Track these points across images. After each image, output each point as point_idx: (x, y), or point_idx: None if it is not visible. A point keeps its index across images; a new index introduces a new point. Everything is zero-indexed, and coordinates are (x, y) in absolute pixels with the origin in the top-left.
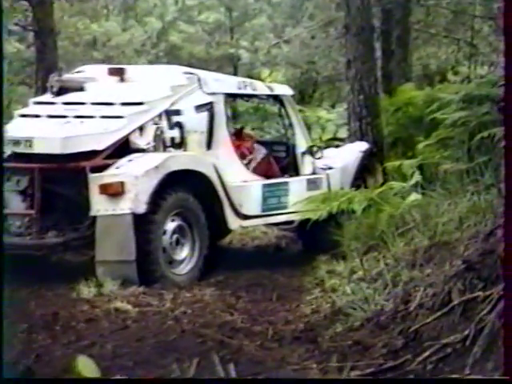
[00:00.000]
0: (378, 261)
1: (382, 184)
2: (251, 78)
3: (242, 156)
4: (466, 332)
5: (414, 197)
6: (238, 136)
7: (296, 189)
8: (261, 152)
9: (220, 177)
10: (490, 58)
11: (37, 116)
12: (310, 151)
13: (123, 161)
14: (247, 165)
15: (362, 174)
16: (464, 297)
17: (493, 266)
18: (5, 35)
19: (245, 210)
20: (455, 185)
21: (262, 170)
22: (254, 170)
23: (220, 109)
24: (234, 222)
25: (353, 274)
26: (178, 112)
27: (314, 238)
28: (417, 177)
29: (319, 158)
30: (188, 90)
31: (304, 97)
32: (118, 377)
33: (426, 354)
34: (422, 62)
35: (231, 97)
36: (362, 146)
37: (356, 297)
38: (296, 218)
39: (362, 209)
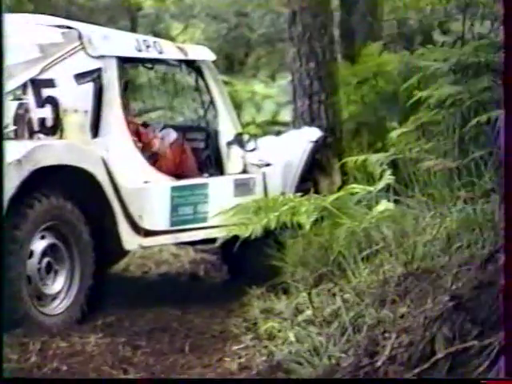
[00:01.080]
0: (333, 295)
1: (340, 187)
2: (156, 35)
3: (144, 146)
4: None
5: (385, 206)
6: (137, 118)
7: (219, 194)
8: (170, 139)
9: (111, 176)
10: (493, 9)
11: None
12: (239, 140)
13: None
14: (150, 158)
15: (313, 174)
16: (452, 347)
17: (492, 305)
18: None
19: (146, 224)
20: (441, 189)
21: (172, 167)
22: (161, 166)
23: (111, 79)
24: (131, 241)
25: (298, 314)
26: (50, 82)
27: (244, 264)
28: (388, 178)
29: (252, 151)
30: (65, 52)
31: (232, 63)
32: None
33: None
34: (396, 16)
35: (128, 62)
36: (313, 133)
37: (302, 346)
38: (219, 234)
39: (312, 222)
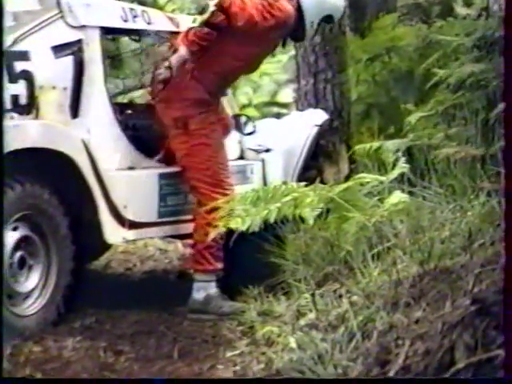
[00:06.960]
0: (339, 297)
1: (348, 177)
2: (144, 4)
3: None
4: None
5: (398, 198)
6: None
7: None
8: None
9: (93, 161)
10: None
11: None
12: (235, 123)
13: None
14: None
15: (317, 161)
16: (474, 357)
17: None
18: None
19: (132, 215)
20: (462, 180)
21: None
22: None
23: (94, 52)
24: (113, 233)
25: (300, 317)
26: (24, 55)
27: (240, 261)
28: (402, 166)
29: (250, 134)
30: (41, 21)
31: None
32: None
33: None
34: None
35: (112, 33)
36: (318, 116)
37: (304, 353)
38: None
39: (316, 216)
